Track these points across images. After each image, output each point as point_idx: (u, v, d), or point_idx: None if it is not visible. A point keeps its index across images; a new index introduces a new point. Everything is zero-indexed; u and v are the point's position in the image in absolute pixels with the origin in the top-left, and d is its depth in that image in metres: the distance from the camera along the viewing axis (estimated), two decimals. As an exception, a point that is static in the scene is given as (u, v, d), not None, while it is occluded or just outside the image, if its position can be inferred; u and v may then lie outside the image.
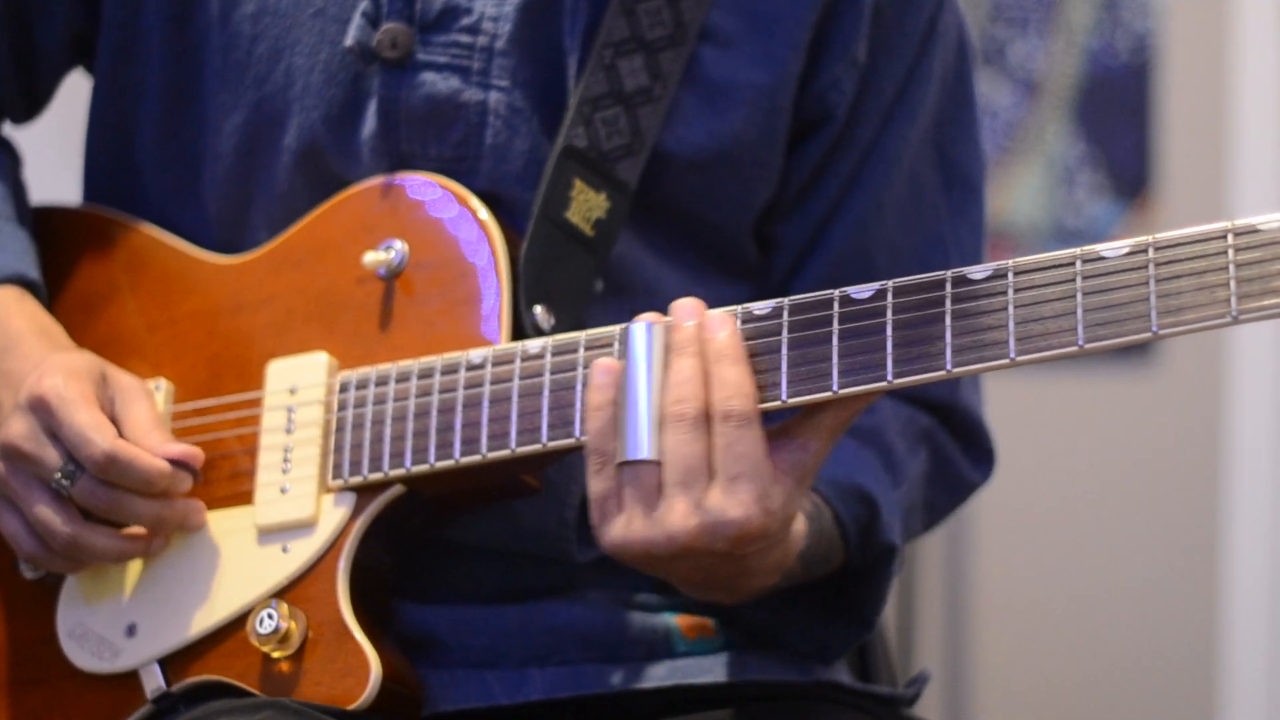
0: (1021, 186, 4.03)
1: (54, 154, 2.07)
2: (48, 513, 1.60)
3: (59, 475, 1.59)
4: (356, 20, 1.68)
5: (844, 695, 1.73)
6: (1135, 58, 4.02)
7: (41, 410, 1.60)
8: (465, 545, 1.69)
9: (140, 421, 1.62)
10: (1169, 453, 3.94)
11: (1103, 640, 3.73)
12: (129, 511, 1.60)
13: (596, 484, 1.45)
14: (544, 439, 1.54)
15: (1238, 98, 3.92)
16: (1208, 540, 3.78)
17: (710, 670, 1.71)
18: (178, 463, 1.60)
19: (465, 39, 1.68)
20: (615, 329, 1.51)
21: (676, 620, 1.72)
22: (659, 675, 1.69)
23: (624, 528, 1.44)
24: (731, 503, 1.41)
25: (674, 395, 1.43)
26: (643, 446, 1.43)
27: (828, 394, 1.43)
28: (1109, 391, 4.01)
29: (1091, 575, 3.78)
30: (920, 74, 1.75)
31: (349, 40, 1.68)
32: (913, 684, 1.74)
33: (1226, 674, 3.73)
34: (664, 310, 1.50)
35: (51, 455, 1.59)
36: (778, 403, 1.44)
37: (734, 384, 1.42)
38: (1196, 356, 3.95)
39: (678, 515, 1.41)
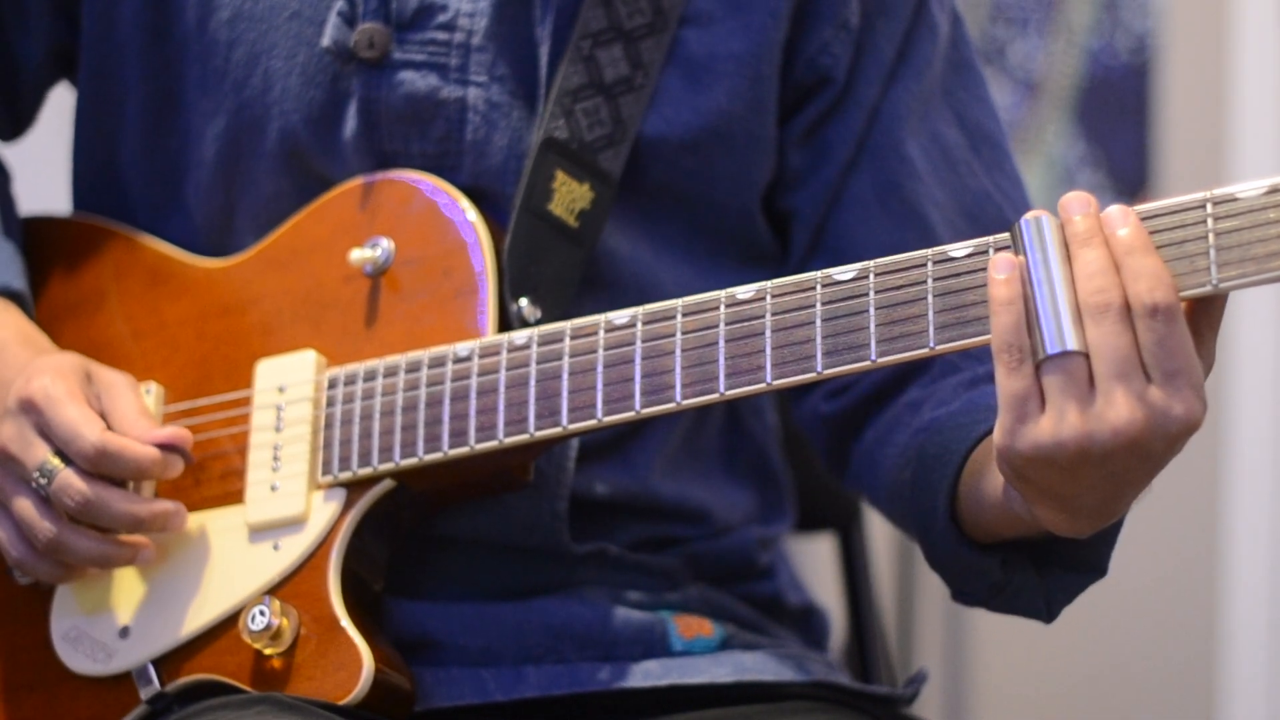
0: (1021, 187, 4.02)
1: (45, 164, 2.07)
2: (31, 512, 1.60)
3: (37, 474, 1.60)
4: (333, 20, 1.69)
5: (841, 695, 1.72)
6: (1135, 58, 4.01)
7: (31, 411, 1.61)
8: (458, 540, 1.69)
9: (127, 412, 1.62)
10: (1169, 452, 3.92)
11: (1102, 640, 3.72)
12: (105, 515, 1.60)
13: (1012, 383, 1.34)
14: (531, 429, 1.54)
15: (1238, 98, 3.92)
16: (1208, 540, 3.76)
17: (707, 670, 1.70)
18: (168, 447, 1.61)
19: (442, 36, 1.68)
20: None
21: (673, 620, 1.72)
22: (655, 674, 1.69)
23: (1054, 425, 1.33)
24: (1175, 399, 1.32)
25: (1091, 286, 1.33)
26: (1068, 338, 1.33)
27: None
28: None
29: (1092, 574, 3.76)
30: (919, 32, 1.74)
31: (326, 41, 1.69)
32: (911, 683, 1.73)
33: (1226, 674, 3.72)
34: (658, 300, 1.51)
35: (33, 455, 1.60)
36: (1208, 288, 1.34)
37: (1153, 274, 1.32)
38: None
39: (1122, 408, 1.31)
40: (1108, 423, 1.32)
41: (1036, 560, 1.55)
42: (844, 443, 1.76)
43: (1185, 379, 1.32)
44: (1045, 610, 1.58)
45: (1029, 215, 1.37)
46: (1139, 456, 1.34)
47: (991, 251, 1.40)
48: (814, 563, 2.85)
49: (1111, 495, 1.39)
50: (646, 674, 1.69)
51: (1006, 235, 1.38)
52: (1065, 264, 1.35)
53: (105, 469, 1.59)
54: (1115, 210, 1.36)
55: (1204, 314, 1.36)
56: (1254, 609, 3.70)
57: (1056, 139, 4.03)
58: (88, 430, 1.59)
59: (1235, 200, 1.31)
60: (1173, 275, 1.33)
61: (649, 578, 1.74)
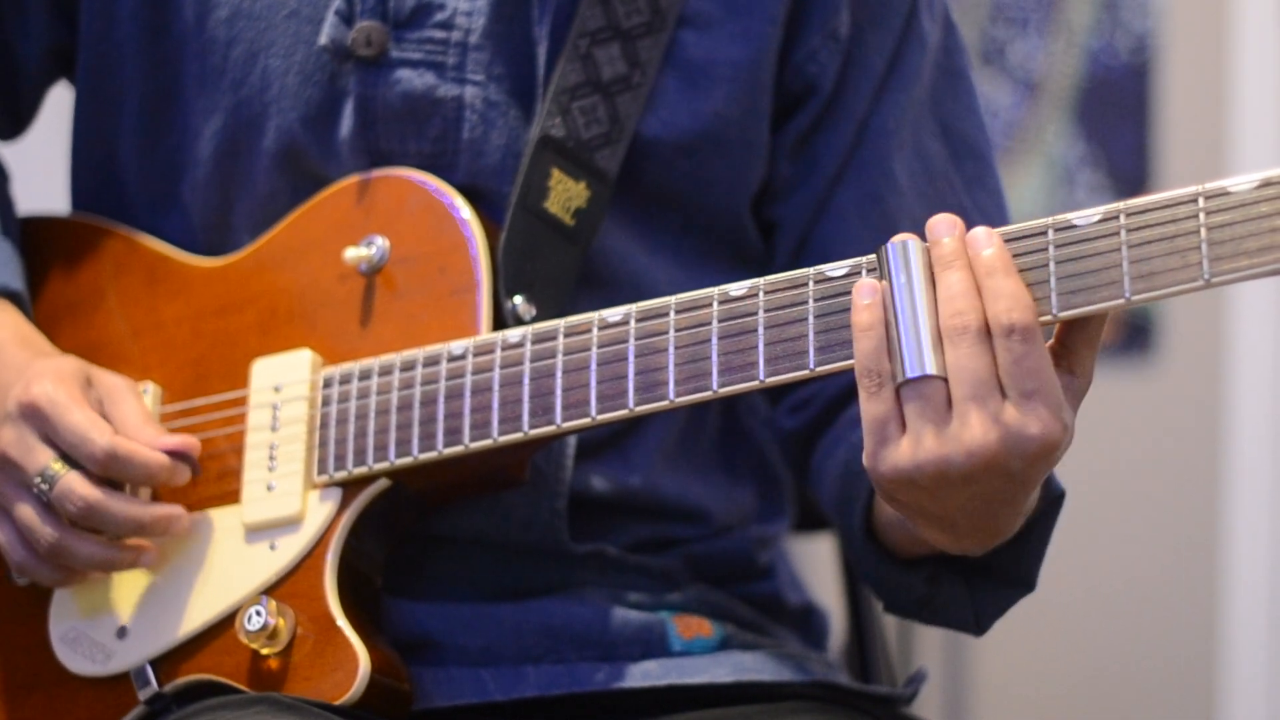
0: (1021, 186, 4.02)
1: (44, 164, 2.08)
2: (32, 517, 1.61)
3: (39, 480, 1.60)
4: (330, 19, 1.69)
5: (841, 695, 1.72)
6: (1135, 58, 4.01)
7: (34, 416, 1.61)
8: (457, 539, 1.69)
9: (132, 418, 1.63)
10: (1169, 452, 3.92)
11: (1102, 640, 3.72)
12: (107, 519, 1.60)
13: (873, 407, 1.37)
14: (525, 427, 1.54)
15: (1238, 98, 3.92)
16: (1208, 540, 3.76)
17: (706, 670, 1.70)
18: (177, 455, 1.61)
19: (439, 35, 1.68)
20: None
21: (673, 620, 1.72)
22: (654, 674, 1.69)
23: (912, 448, 1.35)
24: (1030, 418, 1.33)
25: (951, 309, 1.35)
26: (926, 362, 1.35)
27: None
28: (1109, 391, 4.00)
29: (1091, 574, 3.76)
30: (909, 45, 1.74)
31: (323, 39, 1.69)
32: (911, 683, 1.73)
33: (1226, 674, 3.72)
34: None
35: (35, 460, 1.60)
36: (1049, 316, 1.35)
37: (1011, 295, 1.34)
38: (1196, 356, 3.94)
39: (976, 430, 1.33)
40: (963, 444, 1.34)
41: (966, 574, 1.57)
42: (805, 457, 1.77)
43: (1041, 399, 1.33)
44: (974, 623, 1.61)
45: (895, 239, 1.38)
46: (1000, 476, 1.36)
47: (864, 273, 1.42)
48: (814, 563, 2.84)
49: (984, 514, 1.41)
50: (646, 674, 1.69)
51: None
52: (929, 287, 1.37)
53: (114, 473, 1.60)
54: (980, 232, 1.37)
55: (1080, 332, 1.38)
56: (1254, 609, 3.70)
57: (1056, 139, 4.03)
58: (98, 435, 1.59)
59: (1227, 194, 1.30)
60: (1033, 297, 1.35)
61: (648, 579, 1.74)
